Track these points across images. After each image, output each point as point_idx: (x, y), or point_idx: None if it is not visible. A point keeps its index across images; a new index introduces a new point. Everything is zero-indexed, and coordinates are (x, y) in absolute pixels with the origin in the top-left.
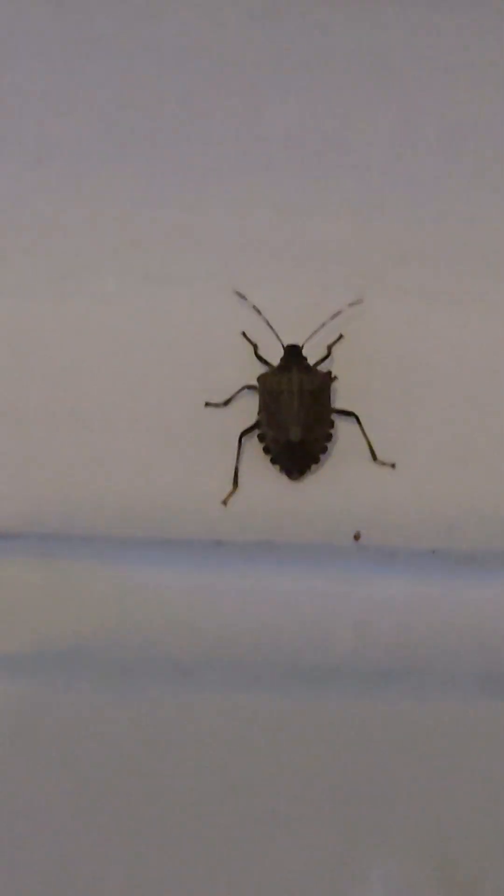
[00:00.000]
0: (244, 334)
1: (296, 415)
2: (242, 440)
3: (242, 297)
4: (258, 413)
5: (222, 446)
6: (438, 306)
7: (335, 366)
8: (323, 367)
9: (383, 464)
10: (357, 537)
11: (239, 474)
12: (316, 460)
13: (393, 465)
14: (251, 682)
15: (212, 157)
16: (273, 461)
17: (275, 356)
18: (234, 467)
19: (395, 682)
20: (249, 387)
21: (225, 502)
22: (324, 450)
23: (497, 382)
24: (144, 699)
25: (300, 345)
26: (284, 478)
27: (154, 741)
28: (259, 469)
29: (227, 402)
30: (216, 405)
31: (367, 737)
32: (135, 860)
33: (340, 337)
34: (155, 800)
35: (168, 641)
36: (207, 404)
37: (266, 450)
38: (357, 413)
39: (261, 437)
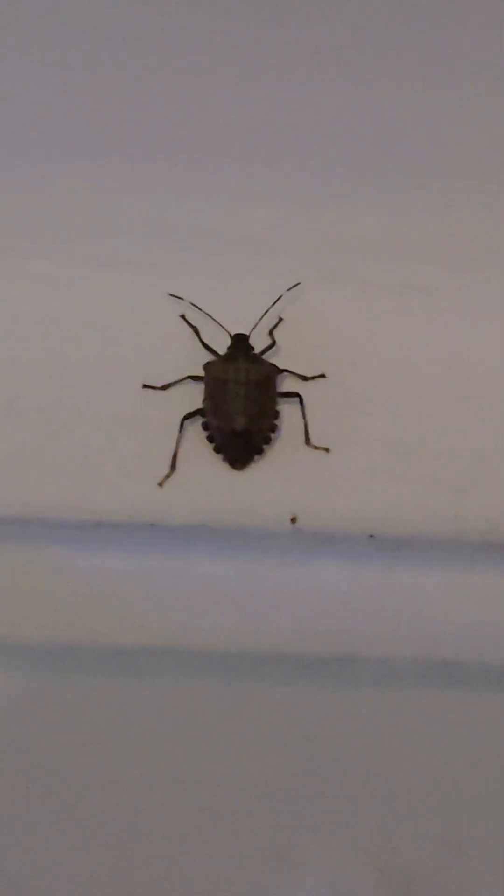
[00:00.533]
0: (184, 317)
1: (241, 405)
2: (184, 424)
3: (178, 297)
4: (203, 401)
5: (161, 431)
6: (380, 293)
7: (279, 353)
8: (269, 358)
9: (316, 447)
10: (293, 521)
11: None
12: (259, 451)
13: (327, 450)
14: (187, 668)
15: (152, 140)
16: (216, 450)
17: (221, 345)
18: (173, 451)
19: (333, 669)
20: (193, 377)
21: (161, 484)
22: (267, 440)
23: (437, 368)
24: (78, 684)
25: (247, 334)
26: (220, 461)
27: (87, 728)
28: (197, 453)
29: (166, 387)
30: (154, 388)
31: (305, 725)
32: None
33: (280, 321)
34: (88, 791)
35: (103, 624)
36: (145, 386)
37: (210, 438)
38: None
39: (205, 426)
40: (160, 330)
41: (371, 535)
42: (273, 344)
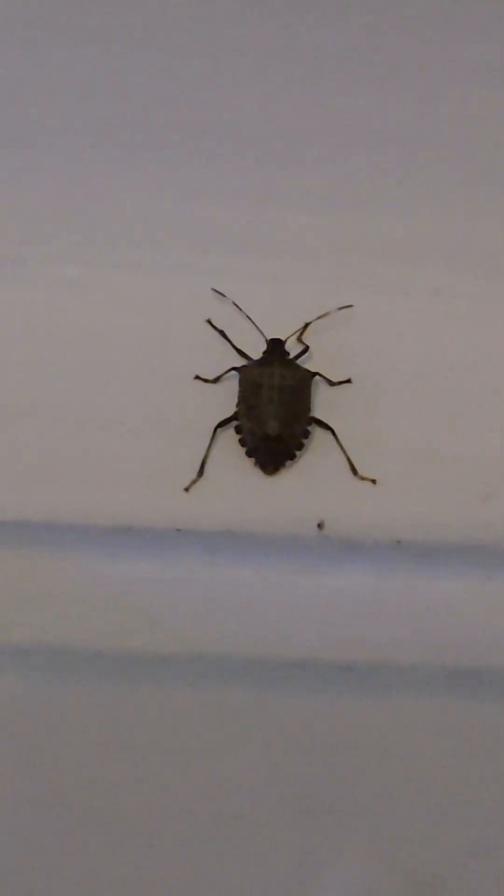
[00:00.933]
0: (210, 322)
1: (275, 409)
2: (217, 432)
3: (221, 294)
4: (236, 405)
5: (188, 436)
6: (405, 299)
7: (312, 361)
8: (303, 363)
9: (364, 478)
10: (321, 527)
11: (203, 468)
12: (292, 456)
13: (374, 481)
14: (212, 674)
15: (181, 146)
16: (248, 454)
17: (251, 350)
18: (202, 457)
19: (360, 676)
20: (236, 369)
21: (187, 489)
22: (300, 446)
23: (464, 374)
24: (104, 689)
25: (283, 339)
26: (247, 467)
27: (112, 734)
28: (224, 459)
29: (216, 380)
30: (206, 380)
31: (332, 732)
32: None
33: (307, 325)
34: (103, 796)
35: (128, 630)
36: (196, 377)
37: (242, 442)
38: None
39: (237, 430)
40: (188, 335)
41: (398, 542)
42: (306, 349)
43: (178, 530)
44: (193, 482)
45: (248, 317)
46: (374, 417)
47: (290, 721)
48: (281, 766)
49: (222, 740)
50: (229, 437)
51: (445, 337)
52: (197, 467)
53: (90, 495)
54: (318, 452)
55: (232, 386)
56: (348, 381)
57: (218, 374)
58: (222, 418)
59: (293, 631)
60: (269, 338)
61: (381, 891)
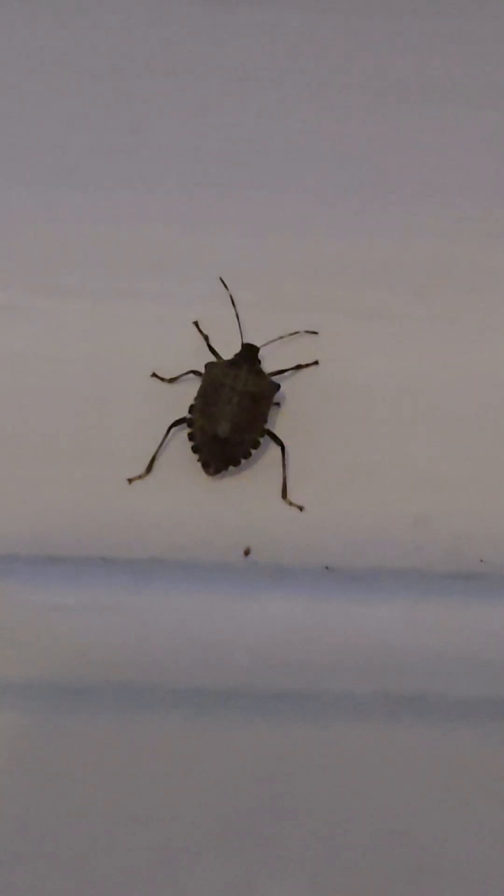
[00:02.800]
0: (196, 324)
1: (230, 412)
2: (170, 432)
3: (225, 285)
4: (195, 398)
5: (113, 463)
6: (340, 319)
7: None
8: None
9: (291, 504)
10: (247, 553)
11: (152, 465)
12: (236, 463)
13: (301, 508)
14: (142, 703)
15: (147, 171)
16: (194, 449)
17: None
18: (152, 454)
19: (291, 704)
20: (195, 372)
21: (131, 481)
22: (247, 455)
23: (397, 395)
24: (30, 719)
25: (258, 346)
26: (172, 493)
27: (33, 763)
28: (148, 486)
29: (172, 380)
30: (162, 379)
31: (265, 760)
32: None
33: (279, 338)
34: (25, 828)
35: (56, 660)
36: (153, 376)
37: (191, 436)
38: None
39: (189, 423)
40: (117, 360)
41: (327, 567)
42: (286, 371)
43: (104, 559)
44: (139, 477)
45: (236, 315)
46: (302, 439)
47: (223, 749)
48: (213, 794)
49: (152, 770)
50: (157, 460)
51: (376, 360)
52: (128, 494)
53: (14, 525)
54: (244, 476)
55: (161, 417)
56: (315, 362)
57: (174, 375)
58: (150, 446)
59: (223, 659)
60: (244, 342)
61: None
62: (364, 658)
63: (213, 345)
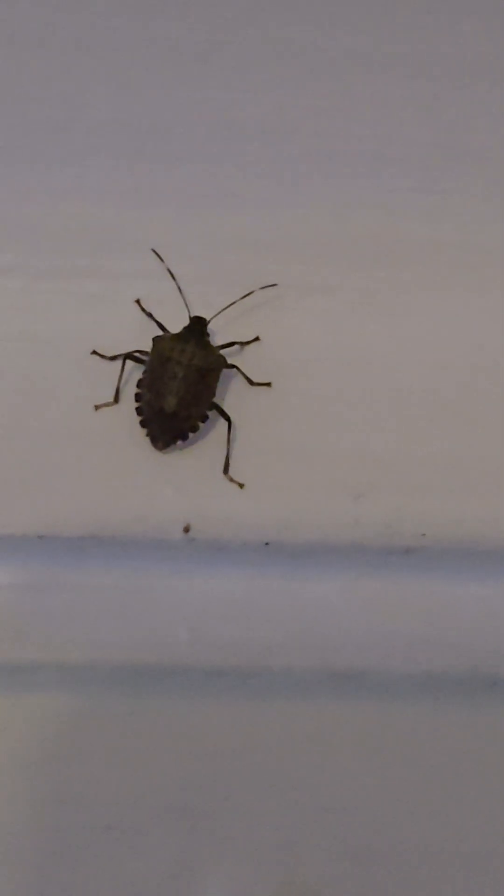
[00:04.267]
0: (138, 302)
1: (176, 386)
2: (126, 361)
3: (160, 257)
4: (143, 373)
5: (48, 440)
6: (278, 293)
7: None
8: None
9: (232, 480)
10: (187, 530)
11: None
12: (184, 437)
13: (241, 485)
14: (81, 682)
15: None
16: (142, 424)
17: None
18: (115, 386)
19: (231, 680)
20: (140, 352)
21: (97, 408)
22: (195, 429)
23: (335, 370)
24: None
25: (207, 318)
26: (110, 470)
27: None
28: (87, 462)
29: (114, 358)
30: (103, 357)
31: (205, 737)
32: None
33: (230, 305)
34: None
35: None
36: (93, 353)
37: (139, 410)
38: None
39: (137, 397)
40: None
41: (267, 543)
42: (232, 345)
43: (41, 537)
44: (107, 404)
45: (178, 288)
46: (241, 415)
47: (162, 727)
48: (153, 773)
49: (92, 748)
50: (94, 436)
51: (316, 334)
52: (65, 470)
53: None
54: (184, 451)
55: (102, 396)
56: (268, 384)
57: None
58: (90, 424)
59: (162, 636)
60: (192, 315)
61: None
62: (304, 634)
63: (159, 320)
